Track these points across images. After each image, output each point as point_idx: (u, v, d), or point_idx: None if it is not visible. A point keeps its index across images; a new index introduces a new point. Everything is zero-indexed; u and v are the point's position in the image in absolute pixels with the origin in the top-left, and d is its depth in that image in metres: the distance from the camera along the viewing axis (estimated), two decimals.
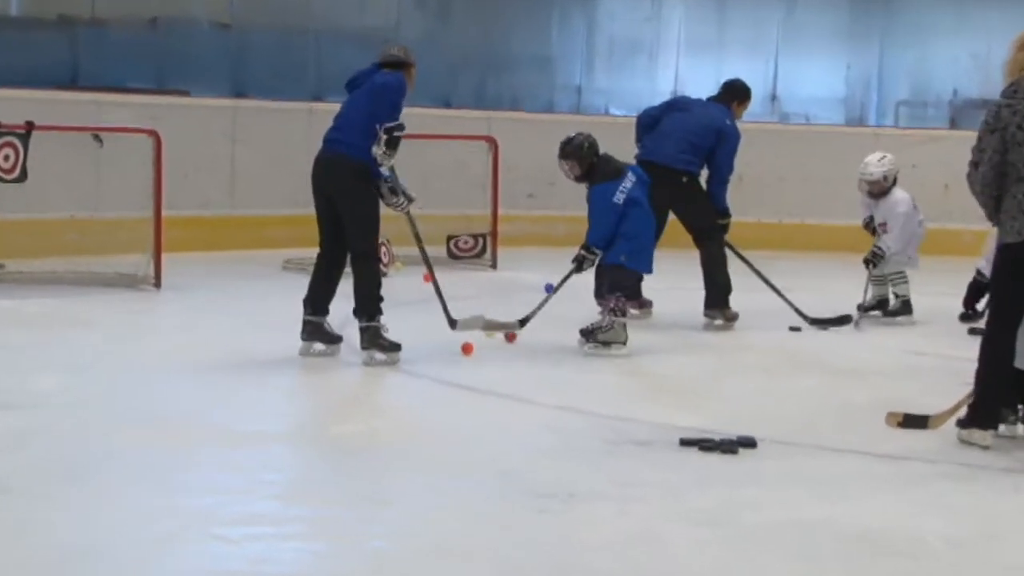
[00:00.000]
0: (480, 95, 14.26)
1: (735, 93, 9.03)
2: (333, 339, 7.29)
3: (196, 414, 6.04)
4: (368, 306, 7.09)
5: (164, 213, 9.53)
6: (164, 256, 9.47)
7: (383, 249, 10.67)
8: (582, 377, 7.13)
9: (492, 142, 11.71)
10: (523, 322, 7.61)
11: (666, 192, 8.69)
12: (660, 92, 13.98)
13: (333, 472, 5.23)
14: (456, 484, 5.03)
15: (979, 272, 8.65)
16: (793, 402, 6.63)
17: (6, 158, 8.82)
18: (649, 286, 8.89)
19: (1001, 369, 5.67)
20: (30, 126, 8.89)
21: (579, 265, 7.65)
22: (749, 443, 5.59)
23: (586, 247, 7.61)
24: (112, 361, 7.03)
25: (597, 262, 7.70)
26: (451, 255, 11.44)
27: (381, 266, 10.39)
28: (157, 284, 9.40)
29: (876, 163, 9.11)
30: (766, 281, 8.80)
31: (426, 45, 14.43)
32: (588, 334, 7.65)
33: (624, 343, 7.60)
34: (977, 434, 5.72)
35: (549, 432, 5.84)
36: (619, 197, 7.57)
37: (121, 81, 12.11)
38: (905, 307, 9.12)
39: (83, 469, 5.00)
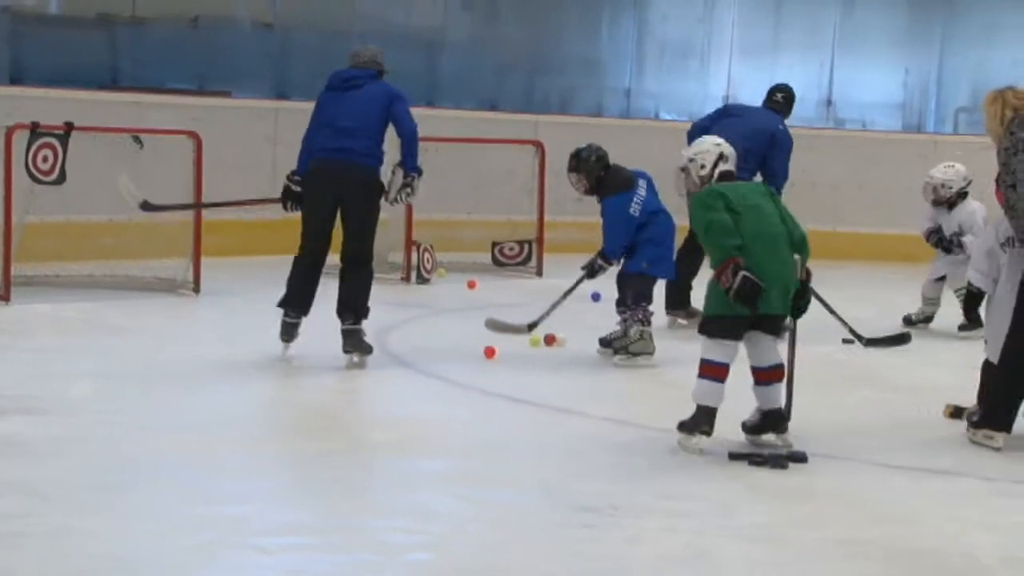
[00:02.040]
0: (527, 98, 14.28)
1: (789, 100, 9.07)
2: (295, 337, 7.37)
3: (232, 421, 6.08)
4: (360, 309, 7.22)
5: (204, 216, 9.60)
6: (203, 260, 9.55)
7: (427, 255, 10.75)
8: (627, 388, 7.13)
9: (539, 146, 11.72)
10: (532, 326, 7.63)
11: None
12: (712, 96, 13.99)
13: (372, 482, 5.25)
14: (498, 496, 5.05)
15: (970, 283, 8.45)
16: (846, 417, 6.60)
17: (44, 159, 8.90)
18: (700, 295, 8.88)
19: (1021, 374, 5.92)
20: (69, 127, 8.96)
21: (591, 272, 7.65)
22: (800, 458, 5.58)
23: (603, 256, 7.62)
24: (149, 367, 7.09)
25: (619, 270, 7.71)
26: (496, 262, 11.46)
27: (423, 272, 10.59)
28: (196, 289, 9.47)
29: (941, 168, 9.10)
30: (821, 301, 8.73)
31: (473, 47, 14.52)
32: (609, 343, 7.66)
33: (652, 353, 7.60)
34: (985, 434, 5.95)
35: (593, 444, 5.84)
36: (635, 209, 7.62)
37: (161, 82, 12.21)
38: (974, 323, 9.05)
39: (119, 477, 5.05)
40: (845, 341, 8.46)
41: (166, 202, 9.04)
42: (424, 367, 7.35)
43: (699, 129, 8.98)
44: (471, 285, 10.42)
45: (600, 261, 7.61)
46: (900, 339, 8.47)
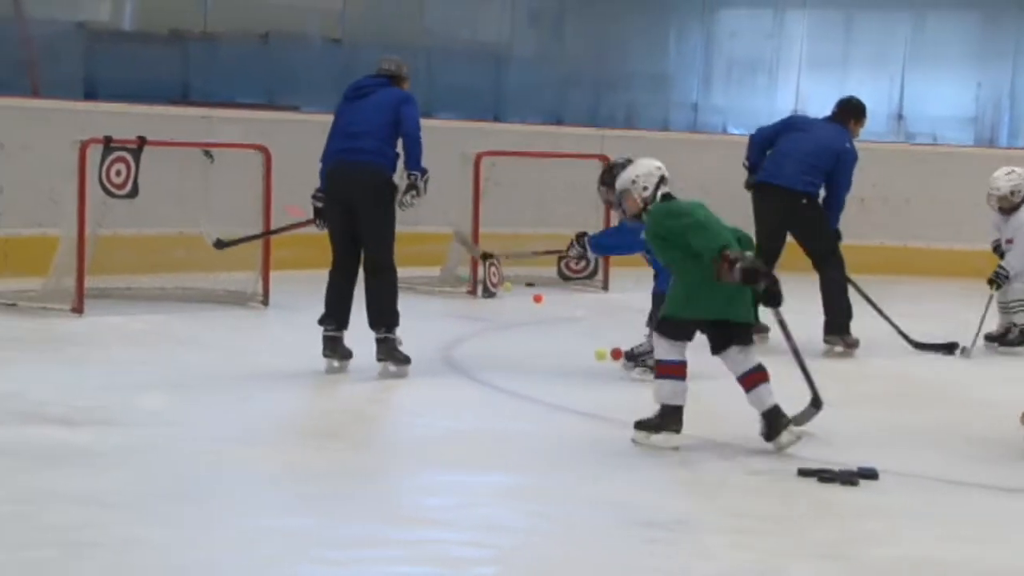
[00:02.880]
0: (593, 112, 14.25)
1: (852, 111, 8.93)
2: (348, 354, 7.37)
3: (295, 434, 6.09)
4: (389, 318, 7.22)
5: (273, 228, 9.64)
6: (272, 274, 9.59)
7: (492, 270, 10.73)
8: (693, 403, 7.04)
9: (605, 160, 11.65)
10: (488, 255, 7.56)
11: (785, 214, 8.62)
12: (780, 110, 13.87)
13: (435, 495, 5.22)
14: (563, 510, 5.01)
15: None
16: (917, 433, 6.50)
17: (118, 173, 8.97)
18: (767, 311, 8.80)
19: None
20: (142, 141, 9.03)
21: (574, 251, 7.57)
22: (871, 475, 5.49)
23: (580, 241, 7.55)
24: (216, 379, 7.11)
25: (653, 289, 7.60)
26: (562, 276, 11.37)
27: (490, 286, 10.58)
28: (265, 302, 9.51)
29: (1004, 177, 8.94)
30: (873, 304, 8.64)
31: (539, 61, 14.52)
32: (634, 357, 7.56)
33: None
34: None
35: (658, 459, 5.78)
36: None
37: (232, 96, 12.29)
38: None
39: (186, 488, 5.06)
40: (916, 345, 8.32)
41: (232, 222, 9.14)
42: (489, 380, 7.32)
43: (762, 137, 8.90)
44: (537, 299, 10.38)
45: (577, 247, 7.58)
46: (949, 347, 8.44)
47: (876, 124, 12.08)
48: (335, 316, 7.31)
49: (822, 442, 6.13)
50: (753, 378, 5.96)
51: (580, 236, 7.61)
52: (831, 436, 6.33)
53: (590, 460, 5.76)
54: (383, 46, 12.90)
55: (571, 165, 11.98)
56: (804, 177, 8.58)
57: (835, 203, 8.69)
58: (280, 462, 5.50)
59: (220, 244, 9.04)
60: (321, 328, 7.30)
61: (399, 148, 7.27)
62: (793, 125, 9.03)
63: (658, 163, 6.33)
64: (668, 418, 5.94)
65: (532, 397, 6.95)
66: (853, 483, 5.42)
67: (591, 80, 14.53)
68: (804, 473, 5.51)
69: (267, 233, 9.50)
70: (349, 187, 7.21)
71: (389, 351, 7.21)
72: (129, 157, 8.99)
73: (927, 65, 14.68)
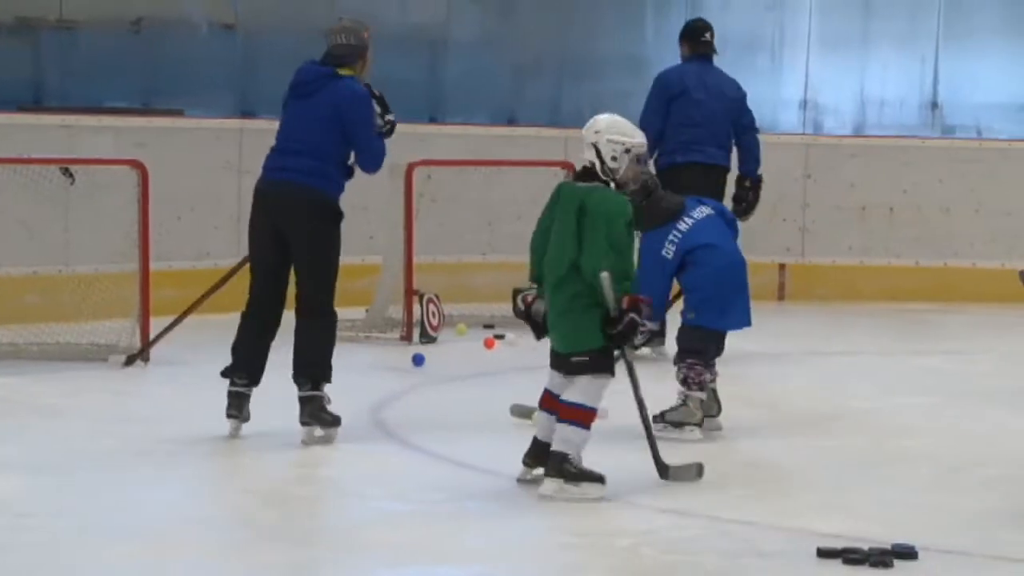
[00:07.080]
0: (554, 108, 14.30)
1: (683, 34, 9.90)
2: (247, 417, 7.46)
3: (190, 524, 6.07)
4: (316, 372, 7.31)
5: (152, 266, 9.63)
6: (153, 321, 9.57)
7: (431, 306, 10.75)
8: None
9: (570, 168, 11.74)
10: None
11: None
12: (786, 100, 13.98)
13: None
14: None
15: None
16: (965, 501, 6.57)
17: None
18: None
19: None
20: None
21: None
22: (908, 553, 5.54)
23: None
24: (86, 457, 7.09)
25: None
26: (518, 314, 11.41)
27: (428, 329, 10.59)
28: (144, 357, 9.49)
29: None
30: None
31: (484, 46, 14.55)
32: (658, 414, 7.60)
33: (699, 424, 7.53)
34: None
35: (647, 541, 5.82)
36: (668, 250, 7.52)
37: (97, 99, 12.27)
38: None
39: None
40: None
41: (103, 251, 9.08)
42: (430, 448, 7.35)
43: (655, 130, 9.07)
44: (488, 344, 10.40)
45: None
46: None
47: (906, 115, 12.18)
48: (245, 367, 7.38)
49: (846, 514, 6.18)
50: (570, 411, 6.39)
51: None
52: (857, 505, 6.38)
53: (560, 546, 5.79)
54: (287, 33, 12.95)
55: (528, 175, 12.02)
56: (723, 151, 8.92)
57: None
58: (169, 561, 5.49)
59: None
60: (227, 382, 7.36)
61: (352, 160, 7.37)
62: (672, 92, 9.74)
63: (589, 123, 7.20)
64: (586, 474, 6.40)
65: (484, 468, 6.97)
66: (887, 564, 5.47)
67: (551, 68, 14.58)
68: (825, 554, 5.55)
69: None
70: (277, 210, 7.32)
71: (314, 412, 7.27)
72: None
73: (967, 41, 14.79)
